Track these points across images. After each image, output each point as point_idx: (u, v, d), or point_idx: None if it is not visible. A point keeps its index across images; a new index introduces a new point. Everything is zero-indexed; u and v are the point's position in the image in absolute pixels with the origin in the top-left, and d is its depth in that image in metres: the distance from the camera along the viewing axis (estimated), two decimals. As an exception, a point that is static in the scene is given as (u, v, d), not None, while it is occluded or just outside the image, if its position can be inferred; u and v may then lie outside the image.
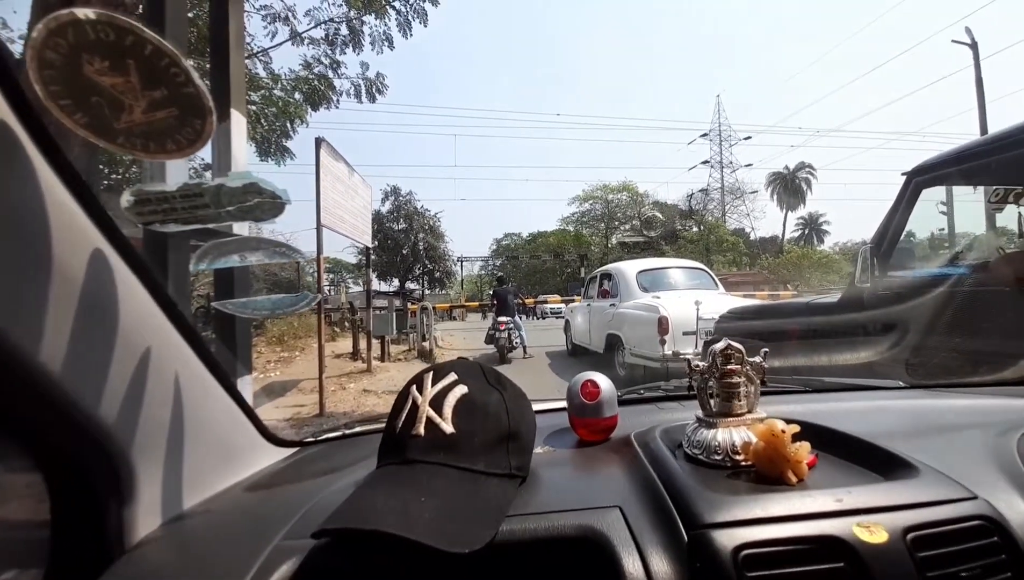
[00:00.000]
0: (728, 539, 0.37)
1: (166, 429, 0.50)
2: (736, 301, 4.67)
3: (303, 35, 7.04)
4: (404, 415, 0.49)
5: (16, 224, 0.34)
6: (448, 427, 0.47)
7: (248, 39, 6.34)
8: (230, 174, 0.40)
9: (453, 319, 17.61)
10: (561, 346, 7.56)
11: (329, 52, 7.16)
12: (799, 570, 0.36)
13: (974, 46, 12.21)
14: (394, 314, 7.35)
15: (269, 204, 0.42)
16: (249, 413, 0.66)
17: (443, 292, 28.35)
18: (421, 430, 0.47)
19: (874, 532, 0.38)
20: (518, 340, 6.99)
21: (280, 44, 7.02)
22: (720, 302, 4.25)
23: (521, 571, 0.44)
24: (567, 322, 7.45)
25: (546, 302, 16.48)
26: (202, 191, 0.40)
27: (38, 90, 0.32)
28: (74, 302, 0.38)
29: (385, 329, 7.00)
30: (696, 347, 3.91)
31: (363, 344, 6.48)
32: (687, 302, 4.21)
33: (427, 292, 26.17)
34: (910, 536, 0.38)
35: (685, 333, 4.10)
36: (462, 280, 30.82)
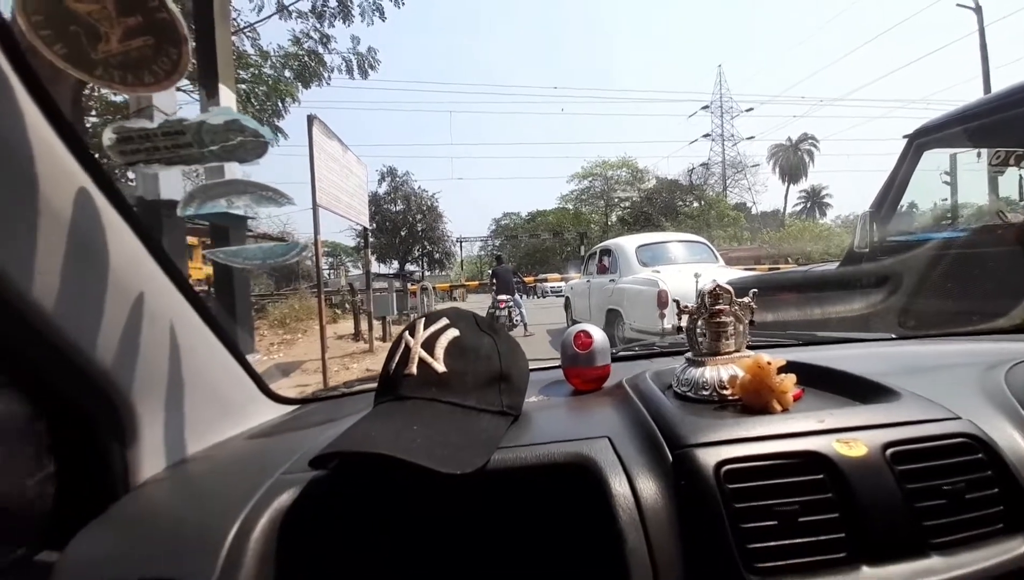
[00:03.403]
0: (710, 456, 0.39)
1: (164, 376, 0.51)
2: (736, 274, 4.67)
3: (290, 8, 6.83)
4: (397, 357, 0.50)
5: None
6: (440, 366, 0.48)
7: (234, 14, 6.16)
8: (211, 110, 0.39)
9: (454, 299, 17.64)
10: (561, 324, 7.60)
11: (318, 26, 6.97)
12: (779, 482, 0.37)
13: (978, 10, 11.83)
14: (394, 295, 7.38)
15: (252, 143, 0.42)
16: (248, 369, 0.67)
17: (443, 273, 28.33)
18: (414, 370, 0.48)
19: (853, 447, 0.39)
20: (518, 318, 7.03)
21: (267, 18, 6.83)
22: (720, 275, 4.25)
23: (513, 499, 0.46)
24: (567, 299, 7.47)
25: (546, 281, 16.52)
26: (183, 128, 0.39)
27: (21, 22, 0.32)
28: (62, 240, 0.38)
29: (386, 310, 7.03)
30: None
31: (364, 325, 6.52)
32: (687, 276, 4.20)
33: (427, 273, 26.15)
34: (890, 451, 0.39)
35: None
36: (462, 261, 30.74)
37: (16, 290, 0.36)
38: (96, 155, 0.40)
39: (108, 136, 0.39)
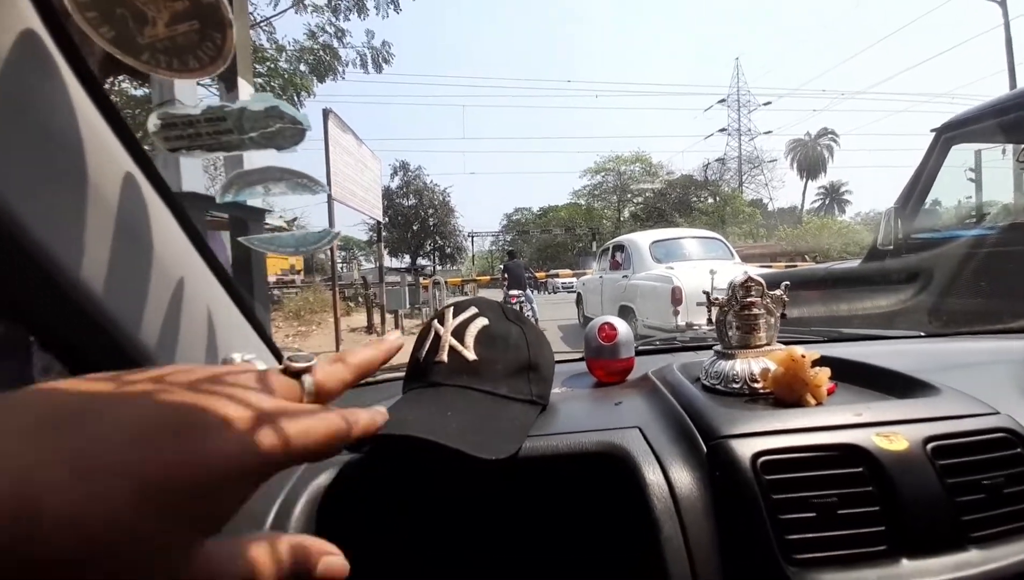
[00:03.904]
0: (747, 447, 0.38)
1: (203, 361, 0.52)
2: (753, 270, 4.61)
3: (306, 1, 6.87)
4: (427, 345, 0.51)
5: (49, 139, 0.35)
6: (471, 354, 0.49)
7: (250, 8, 6.21)
8: (251, 96, 0.40)
9: (465, 294, 17.73)
10: (572, 320, 7.58)
11: (333, 19, 7.00)
12: (818, 474, 0.37)
13: (1003, 3, 11.39)
14: (406, 289, 7.44)
15: (291, 130, 0.42)
16: (279, 357, 0.69)
17: (454, 268, 28.43)
18: (444, 357, 0.48)
19: (894, 441, 0.38)
20: (529, 313, 7.03)
21: (283, 12, 6.87)
22: (736, 272, 4.19)
23: (541, 487, 0.46)
24: (579, 295, 7.44)
25: (557, 276, 16.53)
26: (225, 114, 0.40)
27: (67, 3, 0.33)
28: (110, 223, 0.39)
29: (398, 303, 7.10)
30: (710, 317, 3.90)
31: (377, 318, 6.59)
32: (701, 272, 4.15)
33: (439, 268, 26.29)
34: (931, 445, 0.38)
35: (699, 303, 4.06)
36: (473, 255, 30.80)
37: (64, 264, 0.37)
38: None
39: (153, 122, 0.40)
